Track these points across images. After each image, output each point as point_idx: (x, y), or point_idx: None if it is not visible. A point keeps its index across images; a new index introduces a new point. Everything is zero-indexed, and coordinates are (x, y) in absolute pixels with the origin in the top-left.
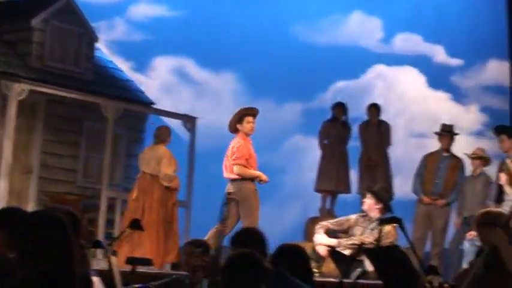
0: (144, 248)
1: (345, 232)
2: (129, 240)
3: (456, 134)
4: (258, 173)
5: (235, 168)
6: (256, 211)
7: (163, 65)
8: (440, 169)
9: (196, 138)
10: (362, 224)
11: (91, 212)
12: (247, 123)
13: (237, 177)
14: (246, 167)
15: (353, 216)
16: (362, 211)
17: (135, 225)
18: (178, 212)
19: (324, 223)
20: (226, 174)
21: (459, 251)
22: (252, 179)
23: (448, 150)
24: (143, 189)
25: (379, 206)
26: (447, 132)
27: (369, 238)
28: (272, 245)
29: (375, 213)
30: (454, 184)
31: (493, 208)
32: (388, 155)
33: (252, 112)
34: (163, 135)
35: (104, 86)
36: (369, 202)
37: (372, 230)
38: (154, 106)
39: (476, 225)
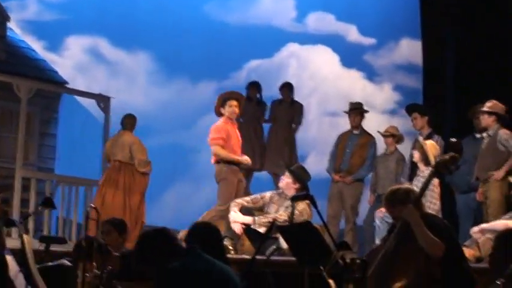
0: None
1: (260, 209)
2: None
3: (365, 112)
4: (236, 157)
5: (212, 148)
6: (229, 194)
7: (76, 45)
8: (348, 146)
9: (111, 118)
10: (277, 202)
11: (5, 192)
12: (229, 107)
13: (215, 159)
14: (224, 148)
15: (267, 194)
16: (277, 188)
17: (47, 203)
18: (93, 191)
19: (239, 201)
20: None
21: (373, 227)
22: (231, 162)
23: (357, 127)
24: (110, 176)
25: (297, 185)
26: (356, 110)
27: (283, 215)
28: (187, 224)
29: (292, 192)
30: (362, 161)
31: (402, 185)
32: (295, 135)
33: (234, 96)
34: (131, 122)
35: (16, 65)
36: (287, 181)
37: (287, 207)
38: (68, 86)
39: (385, 202)
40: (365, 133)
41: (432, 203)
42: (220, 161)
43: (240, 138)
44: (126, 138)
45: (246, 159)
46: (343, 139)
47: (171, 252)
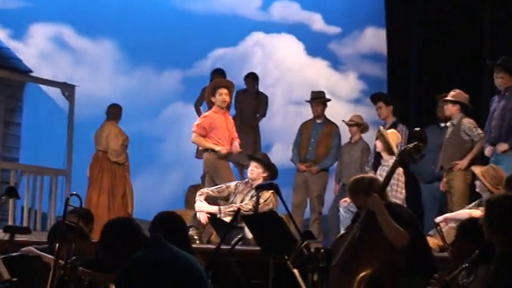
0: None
1: (226, 199)
2: None
3: (328, 101)
4: (210, 145)
5: (192, 136)
6: (230, 175)
7: (40, 33)
8: (313, 136)
9: (76, 107)
10: (242, 191)
11: None
12: (220, 95)
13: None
14: (203, 136)
15: (232, 184)
16: (243, 178)
17: (11, 193)
18: (58, 180)
19: (205, 190)
20: None
21: (337, 217)
22: (210, 150)
23: (320, 117)
24: (94, 166)
25: (266, 174)
26: (317, 99)
27: (248, 205)
28: (153, 214)
29: (260, 182)
30: (328, 150)
31: (366, 174)
32: (258, 126)
33: (223, 84)
34: (113, 111)
35: None
36: (257, 171)
37: (252, 197)
38: (33, 74)
39: (349, 191)
40: (328, 122)
41: (398, 192)
42: (203, 150)
43: (230, 128)
44: (106, 127)
45: (222, 148)
46: (306, 128)
47: (135, 243)
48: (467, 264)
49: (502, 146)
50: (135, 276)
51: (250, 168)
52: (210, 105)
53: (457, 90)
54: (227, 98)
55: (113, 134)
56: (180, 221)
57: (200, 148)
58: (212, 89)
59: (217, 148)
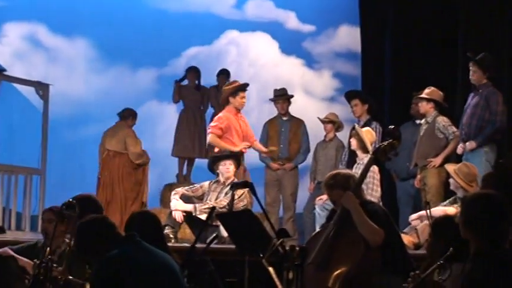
0: None
1: (200, 199)
2: None
3: (291, 97)
4: (230, 146)
5: (208, 136)
6: None
7: (14, 31)
8: (282, 133)
9: (50, 106)
10: (216, 190)
11: None
12: (241, 98)
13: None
14: (220, 137)
15: (206, 183)
16: (217, 175)
17: None
18: (32, 180)
19: (180, 189)
20: None
21: (313, 215)
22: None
23: (286, 114)
24: (105, 166)
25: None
26: (283, 96)
27: (223, 201)
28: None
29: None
30: (299, 146)
31: (342, 170)
32: None
33: (245, 88)
34: (130, 114)
35: None
36: (234, 169)
37: (226, 194)
38: (6, 73)
39: (325, 186)
40: (294, 118)
41: (374, 191)
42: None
43: (245, 129)
44: (121, 130)
45: (243, 146)
46: (273, 126)
47: (109, 241)
48: (441, 262)
49: (471, 144)
50: (109, 275)
51: (225, 166)
52: (221, 105)
53: (432, 88)
54: (245, 101)
55: (131, 137)
56: (155, 220)
57: (216, 149)
58: (235, 90)
59: (237, 148)
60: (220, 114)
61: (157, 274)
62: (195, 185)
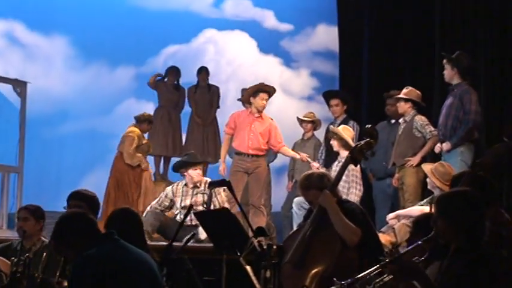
0: None
1: (170, 207)
2: None
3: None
4: (223, 151)
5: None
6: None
7: None
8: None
9: (27, 103)
10: (187, 193)
11: None
12: (261, 100)
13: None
14: (230, 135)
15: (168, 189)
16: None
17: None
18: (10, 178)
19: (148, 209)
20: None
21: (291, 214)
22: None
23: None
24: (114, 167)
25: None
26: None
27: (199, 199)
28: None
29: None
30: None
31: (316, 170)
32: (216, 118)
33: (267, 89)
34: (142, 117)
35: None
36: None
37: (195, 194)
38: None
39: (300, 187)
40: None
41: (357, 190)
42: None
43: (264, 132)
44: (128, 130)
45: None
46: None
47: (88, 236)
48: (420, 242)
49: (446, 145)
50: (88, 274)
51: (196, 171)
52: (245, 101)
53: (409, 88)
54: (265, 103)
55: (128, 137)
56: (136, 218)
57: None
58: (256, 90)
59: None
60: (234, 112)
61: (135, 273)
62: (160, 197)
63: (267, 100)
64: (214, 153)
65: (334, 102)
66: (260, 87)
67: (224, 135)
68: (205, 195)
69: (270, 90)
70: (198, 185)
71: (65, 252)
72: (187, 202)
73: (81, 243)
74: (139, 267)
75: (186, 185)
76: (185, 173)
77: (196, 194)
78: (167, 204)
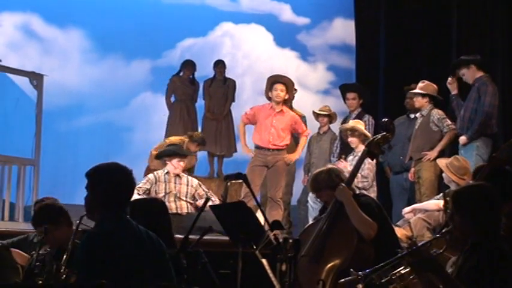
0: None
1: (149, 192)
2: None
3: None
4: (242, 139)
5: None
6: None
7: (8, 22)
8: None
9: (44, 96)
10: (170, 180)
11: None
12: (275, 91)
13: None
14: (245, 124)
15: (151, 176)
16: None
17: None
18: (26, 170)
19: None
20: None
21: (307, 207)
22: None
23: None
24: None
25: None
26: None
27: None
28: None
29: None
30: None
31: (322, 168)
32: (230, 112)
33: (280, 79)
34: (194, 141)
35: None
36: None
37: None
38: (0, 63)
39: (312, 189)
40: None
41: (372, 185)
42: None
43: (277, 126)
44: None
45: (247, 150)
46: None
47: (116, 200)
48: (438, 235)
49: (463, 139)
50: (97, 253)
51: (180, 162)
52: (268, 99)
53: (426, 82)
54: (282, 94)
55: (162, 141)
56: (163, 208)
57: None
58: (270, 84)
59: (244, 147)
60: (255, 105)
61: (140, 254)
62: (144, 183)
63: (282, 90)
64: (227, 147)
65: (350, 95)
66: (274, 79)
67: (240, 123)
68: (189, 187)
69: (284, 81)
70: (180, 175)
71: (94, 210)
72: (172, 187)
73: (114, 202)
74: (147, 247)
75: (167, 173)
76: (168, 162)
77: (180, 184)
78: (147, 187)
